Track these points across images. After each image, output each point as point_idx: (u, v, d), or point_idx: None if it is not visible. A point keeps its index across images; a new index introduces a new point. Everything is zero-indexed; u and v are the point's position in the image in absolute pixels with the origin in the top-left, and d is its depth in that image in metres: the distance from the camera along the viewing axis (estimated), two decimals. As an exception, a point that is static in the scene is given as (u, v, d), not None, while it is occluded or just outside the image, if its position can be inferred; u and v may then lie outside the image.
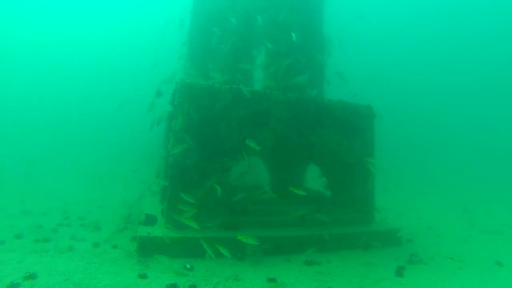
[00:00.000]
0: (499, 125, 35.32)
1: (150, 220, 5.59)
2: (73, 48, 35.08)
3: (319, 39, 9.05)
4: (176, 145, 6.47)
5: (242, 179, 8.76)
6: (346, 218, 7.62)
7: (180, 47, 8.63)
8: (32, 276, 4.55)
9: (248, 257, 6.07)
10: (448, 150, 31.85)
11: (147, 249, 5.84)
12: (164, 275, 5.07)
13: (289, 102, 7.16)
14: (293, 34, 7.68)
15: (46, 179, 13.37)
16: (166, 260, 5.62)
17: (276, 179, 8.75)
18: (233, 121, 6.77)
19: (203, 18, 8.72)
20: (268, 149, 7.00)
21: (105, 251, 6.00)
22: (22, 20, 34.68)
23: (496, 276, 5.94)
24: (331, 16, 9.87)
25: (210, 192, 6.55)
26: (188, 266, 5.41)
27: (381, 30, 40.57)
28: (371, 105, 8.08)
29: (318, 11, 9.28)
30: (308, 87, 8.24)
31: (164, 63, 8.97)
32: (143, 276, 4.92)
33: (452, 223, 10.94)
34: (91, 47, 35.21)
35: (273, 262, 5.97)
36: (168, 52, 9.10)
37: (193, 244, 6.00)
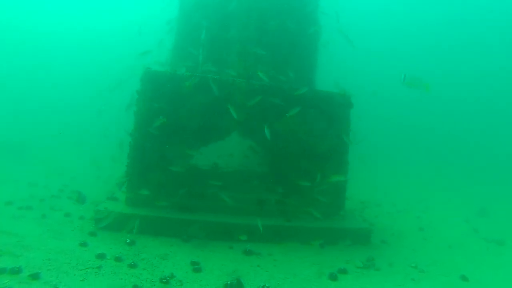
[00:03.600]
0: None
1: (81, 198, 6.52)
2: (75, 35, 38.12)
3: (311, 25, 9.12)
4: (138, 128, 7.29)
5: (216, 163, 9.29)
6: (312, 211, 7.83)
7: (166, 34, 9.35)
8: (-9, 235, 5.74)
9: (194, 240, 6.74)
10: (471, 141, 29.64)
11: (103, 222, 6.81)
12: (103, 245, 5.98)
13: (252, 89, 7.51)
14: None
15: (62, 157, 15.38)
16: (115, 234, 6.53)
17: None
18: (194, 107, 7.37)
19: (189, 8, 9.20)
20: (225, 135, 7.50)
21: (70, 221, 7.13)
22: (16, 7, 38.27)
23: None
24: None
25: (169, 174, 7.30)
26: (128, 240, 6.25)
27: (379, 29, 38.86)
28: (348, 93, 8.06)
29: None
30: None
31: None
32: (83, 244, 5.88)
33: (454, 226, 10.47)
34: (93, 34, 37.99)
35: (215, 248, 6.57)
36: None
37: (144, 221, 6.84)
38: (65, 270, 4.88)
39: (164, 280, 4.97)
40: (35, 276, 4.48)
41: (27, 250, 5.32)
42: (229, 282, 4.98)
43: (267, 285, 5.13)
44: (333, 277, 5.78)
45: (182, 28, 9.17)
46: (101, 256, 5.50)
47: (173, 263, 5.70)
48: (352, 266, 6.41)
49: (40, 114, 22.71)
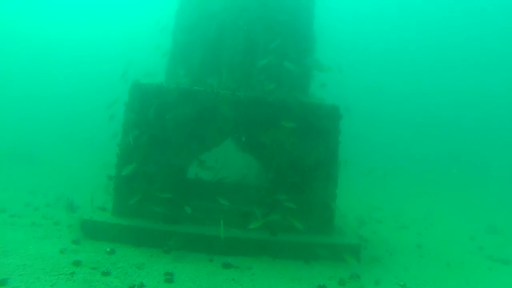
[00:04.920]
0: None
1: (70, 205, 6.80)
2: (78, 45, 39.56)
3: (307, 39, 9.33)
4: (124, 139, 7.61)
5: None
6: (298, 225, 7.84)
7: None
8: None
9: (175, 251, 6.90)
10: (482, 154, 28.82)
11: (88, 230, 7.10)
12: (83, 253, 6.23)
13: (238, 101, 7.71)
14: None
15: (70, 164, 15.99)
16: (98, 243, 6.79)
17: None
18: (179, 119, 7.63)
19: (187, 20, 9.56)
20: (212, 146, 7.70)
21: (58, 229, 7.44)
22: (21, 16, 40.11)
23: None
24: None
25: (155, 185, 7.54)
26: (108, 249, 6.49)
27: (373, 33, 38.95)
28: (336, 104, 8.13)
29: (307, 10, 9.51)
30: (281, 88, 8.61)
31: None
32: (62, 251, 6.16)
33: (457, 243, 10.17)
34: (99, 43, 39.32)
35: (195, 259, 6.69)
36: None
37: (128, 231, 7.08)
38: (37, 276, 5.13)
39: (133, 289, 5.14)
40: (3, 282, 4.74)
41: (5, 256, 5.62)
42: (196, 293, 5.09)
43: (236, 299, 5.21)
44: (308, 294, 5.79)
45: (177, 38, 9.51)
46: (77, 263, 5.74)
47: (147, 272, 5.87)
48: (334, 283, 6.37)
49: (49, 122, 23.72)
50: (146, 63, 9.85)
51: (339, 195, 8.41)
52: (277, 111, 7.80)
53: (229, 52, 8.43)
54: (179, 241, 6.87)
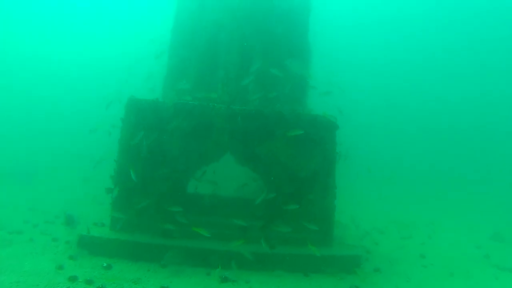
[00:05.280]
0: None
1: (70, 221, 6.84)
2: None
3: (302, 51, 9.49)
4: (121, 154, 7.70)
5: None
6: (298, 237, 7.81)
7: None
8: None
9: (172, 266, 6.89)
10: (487, 161, 28.64)
11: (86, 246, 7.12)
12: (79, 269, 6.25)
13: (233, 115, 7.80)
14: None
15: (71, 182, 16.10)
16: (95, 258, 6.80)
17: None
18: (175, 133, 7.72)
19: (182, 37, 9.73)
20: (208, 160, 7.76)
21: (56, 245, 7.48)
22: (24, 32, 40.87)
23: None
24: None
25: (152, 200, 7.59)
26: (105, 264, 6.50)
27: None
28: (332, 115, 8.19)
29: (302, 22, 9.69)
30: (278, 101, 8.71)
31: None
32: (59, 267, 6.18)
33: (462, 252, 10.04)
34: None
35: (192, 274, 6.68)
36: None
37: (125, 246, 7.10)
38: (31, 292, 5.16)
39: (127, 304, 5.14)
40: (-4, 298, 4.78)
41: (0, 273, 5.66)
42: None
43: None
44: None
45: (173, 54, 9.68)
46: (72, 279, 5.75)
47: (143, 287, 5.87)
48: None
49: (52, 139, 23.96)
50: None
51: (341, 206, 8.41)
52: (273, 123, 7.88)
53: (224, 67, 8.57)
54: (177, 255, 6.86)
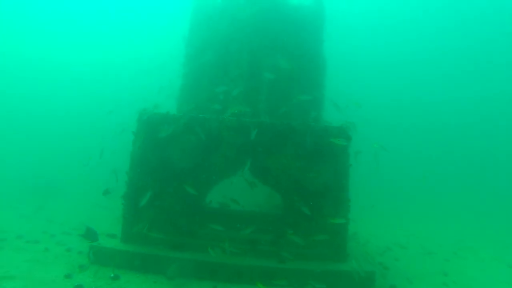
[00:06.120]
0: None
1: (90, 234, 7.02)
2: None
3: (315, 63, 9.50)
4: (132, 167, 7.89)
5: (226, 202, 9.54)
6: (310, 252, 7.65)
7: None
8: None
9: (179, 278, 6.91)
10: None
11: (98, 257, 7.28)
12: (87, 278, 6.39)
13: (243, 127, 7.84)
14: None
15: (90, 195, 16.56)
16: (104, 269, 6.94)
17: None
18: (185, 146, 7.84)
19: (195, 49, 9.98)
20: (219, 173, 7.81)
21: (69, 255, 7.70)
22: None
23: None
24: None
25: (161, 212, 7.70)
26: (112, 275, 6.61)
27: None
28: (345, 126, 8.05)
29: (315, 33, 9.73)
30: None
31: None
32: (67, 276, 6.34)
33: (490, 271, 9.43)
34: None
35: (198, 286, 6.67)
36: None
37: (134, 258, 7.20)
38: (36, 300, 5.31)
39: (128, 315, 5.18)
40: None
41: (9, 280, 5.87)
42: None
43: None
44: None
45: (188, 67, 9.90)
46: (80, 287, 5.89)
47: (145, 298, 5.92)
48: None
49: (75, 151, 24.74)
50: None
51: (362, 221, 8.17)
52: (283, 136, 7.85)
53: (234, 79, 8.68)
54: (183, 267, 6.88)
